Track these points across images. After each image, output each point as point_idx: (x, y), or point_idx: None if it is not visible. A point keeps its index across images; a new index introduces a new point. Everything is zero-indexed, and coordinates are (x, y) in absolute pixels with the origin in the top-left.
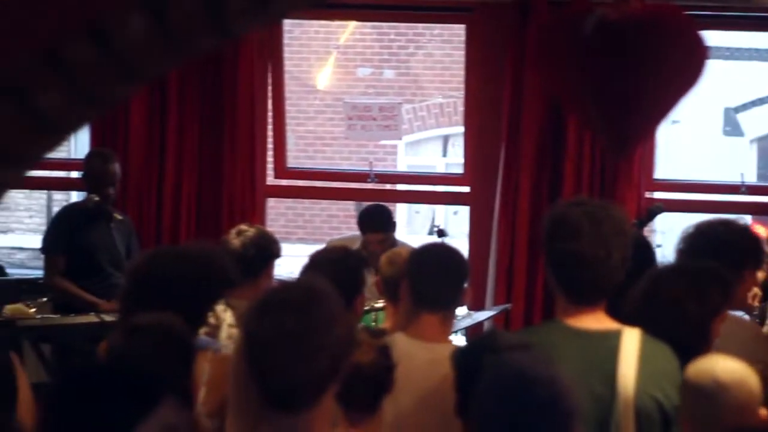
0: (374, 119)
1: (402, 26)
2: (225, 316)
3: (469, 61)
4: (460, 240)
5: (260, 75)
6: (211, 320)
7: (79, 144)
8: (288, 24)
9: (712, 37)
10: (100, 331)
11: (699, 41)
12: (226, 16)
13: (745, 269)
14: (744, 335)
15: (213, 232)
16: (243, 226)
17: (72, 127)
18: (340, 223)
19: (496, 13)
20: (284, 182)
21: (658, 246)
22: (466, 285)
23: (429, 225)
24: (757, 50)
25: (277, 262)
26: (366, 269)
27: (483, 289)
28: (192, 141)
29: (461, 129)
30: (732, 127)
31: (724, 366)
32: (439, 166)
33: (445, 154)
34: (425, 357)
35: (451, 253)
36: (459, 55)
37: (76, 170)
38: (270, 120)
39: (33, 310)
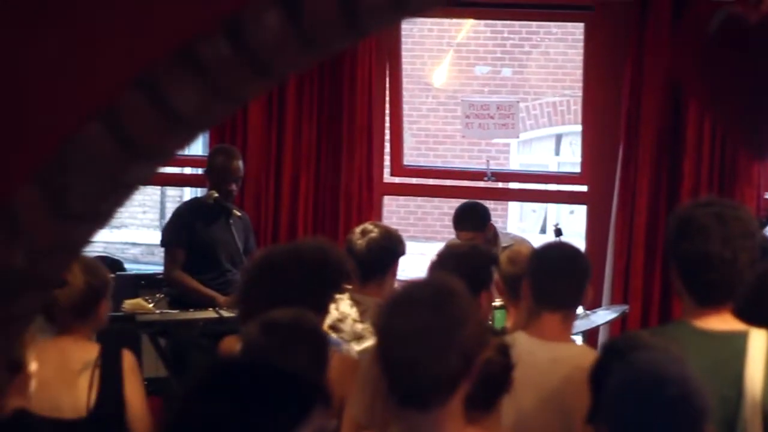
0: (491, 117)
1: (516, 24)
2: (350, 311)
3: (588, 59)
4: (575, 239)
5: (378, 73)
6: (336, 315)
7: (195, 140)
8: (403, 22)
9: None
10: (218, 326)
11: None
12: (360, 14)
13: None
14: None
15: (330, 230)
16: (368, 225)
17: (204, 124)
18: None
19: (616, 11)
20: (400, 180)
21: None
22: (587, 286)
23: (541, 224)
24: None
25: None
26: (494, 266)
27: (599, 289)
28: (309, 139)
29: (574, 128)
30: None
31: None
32: (552, 165)
33: (557, 153)
34: (546, 356)
35: (574, 252)
36: (573, 53)
37: (190, 166)
38: (387, 118)
39: (151, 305)
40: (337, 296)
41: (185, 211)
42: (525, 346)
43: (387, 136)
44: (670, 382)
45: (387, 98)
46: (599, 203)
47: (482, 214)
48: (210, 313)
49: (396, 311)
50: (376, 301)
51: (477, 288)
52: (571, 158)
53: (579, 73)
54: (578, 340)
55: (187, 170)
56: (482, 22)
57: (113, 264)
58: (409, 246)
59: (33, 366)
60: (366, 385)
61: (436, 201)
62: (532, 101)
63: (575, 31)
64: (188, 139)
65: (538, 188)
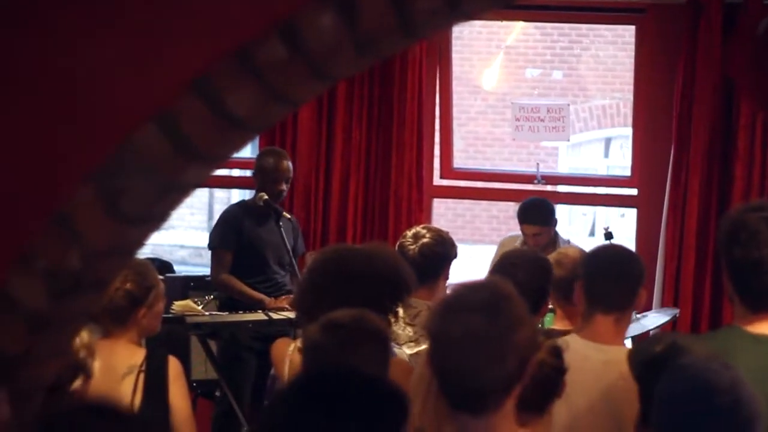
0: (542, 120)
1: (566, 27)
2: (402, 314)
3: (639, 62)
4: (625, 243)
5: (428, 76)
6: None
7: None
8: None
9: None
10: (268, 328)
11: None
12: (415, 17)
13: None
14: None
15: (379, 232)
16: (420, 230)
17: (260, 126)
18: (500, 224)
19: (668, 14)
20: (449, 182)
21: None
22: (641, 288)
23: (591, 227)
24: None
25: None
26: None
27: (650, 293)
28: (359, 141)
29: (624, 130)
30: None
31: None
32: (600, 168)
33: (607, 156)
34: (599, 359)
35: (629, 253)
36: (623, 56)
37: (238, 168)
38: (437, 120)
39: (200, 307)
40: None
41: (232, 213)
42: (577, 349)
43: (436, 139)
44: (722, 388)
45: (437, 101)
46: (649, 206)
47: (550, 210)
48: (259, 315)
49: (450, 316)
50: (427, 304)
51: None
52: (620, 161)
53: (629, 75)
54: (628, 344)
55: (236, 172)
56: (532, 24)
57: (163, 266)
58: (458, 249)
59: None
60: (419, 388)
61: (485, 204)
62: (582, 104)
63: (625, 33)
64: (243, 142)
65: (587, 191)
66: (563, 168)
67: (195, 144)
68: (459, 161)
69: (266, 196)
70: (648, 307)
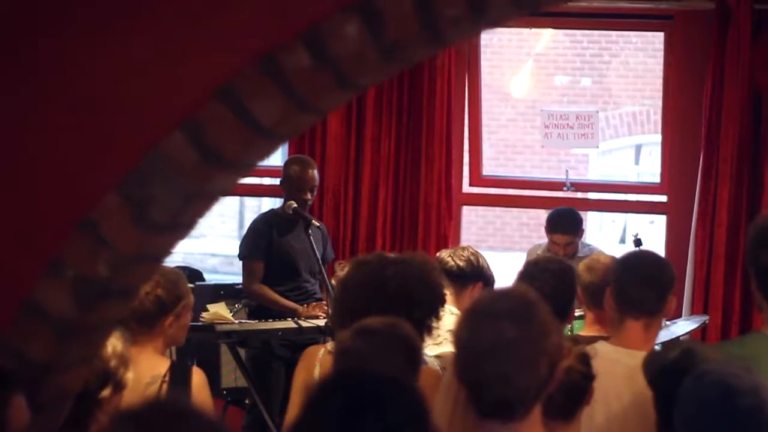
0: (571, 127)
1: (595, 34)
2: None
3: (668, 68)
4: (655, 249)
5: (457, 83)
6: None
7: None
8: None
9: None
10: (297, 336)
11: None
12: (440, 25)
13: None
14: None
15: (408, 240)
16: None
17: (286, 134)
18: (531, 231)
19: (696, 20)
20: (479, 190)
21: None
22: (671, 295)
23: (621, 234)
24: None
25: None
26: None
27: (680, 299)
28: (389, 149)
29: (654, 137)
30: None
31: None
32: (631, 175)
33: (637, 162)
34: (629, 364)
35: (659, 259)
36: (653, 62)
37: (269, 177)
38: (466, 128)
39: (230, 315)
40: None
41: (261, 223)
42: (607, 355)
43: (466, 146)
44: (744, 392)
45: (466, 108)
46: (679, 213)
47: (579, 219)
48: (289, 323)
49: (479, 324)
50: (450, 308)
51: (568, 302)
52: (651, 168)
53: (659, 82)
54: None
55: (266, 181)
56: (562, 31)
57: (193, 274)
58: (487, 256)
59: (130, 381)
60: (446, 397)
61: (515, 211)
62: (612, 111)
63: (655, 40)
64: (270, 150)
65: (617, 198)
66: (594, 175)
67: (221, 152)
68: (489, 169)
69: (295, 205)
70: (678, 314)
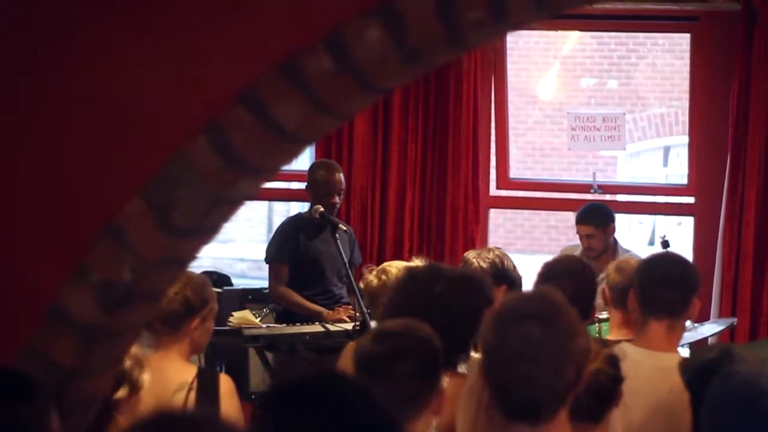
0: (598, 130)
1: (623, 36)
2: None
3: (694, 69)
4: (683, 251)
5: (483, 86)
6: None
7: (300, 155)
8: (508, 34)
9: None
10: (325, 340)
11: None
12: (462, 28)
13: None
14: None
15: (436, 244)
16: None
17: (309, 138)
18: (560, 234)
19: (722, 21)
20: (506, 193)
21: None
22: (695, 297)
23: (649, 236)
24: None
25: None
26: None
27: (707, 301)
28: (415, 152)
29: (682, 139)
30: None
31: None
32: (659, 177)
33: (666, 164)
34: (652, 366)
35: (682, 261)
36: (680, 64)
37: (297, 181)
38: (493, 131)
39: (258, 319)
40: None
41: (288, 226)
42: (631, 356)
43: (492, 149)
44: None
45: (492, 111)
46: (707, 215)
47: (605, 213)
48: (316, 327)
49: (506, 327)
50: None
51: (588, 302)
52: (680, 170)
53: (686, 83)
54: (685, 352)
55: (294, 185)
56: (588, 34)
57: (221, 279)
58: (516, 259)
59: (146, 382)
60: (470, 400)
61: (543, 214)
62: (640, 113)
63: (682, 41)
64: (293, 154)
65: (644, 200)
66: (622, 177)
67: (244, 156)
68: (517, 171)
69: (322, 209)
70: (705, 317)
